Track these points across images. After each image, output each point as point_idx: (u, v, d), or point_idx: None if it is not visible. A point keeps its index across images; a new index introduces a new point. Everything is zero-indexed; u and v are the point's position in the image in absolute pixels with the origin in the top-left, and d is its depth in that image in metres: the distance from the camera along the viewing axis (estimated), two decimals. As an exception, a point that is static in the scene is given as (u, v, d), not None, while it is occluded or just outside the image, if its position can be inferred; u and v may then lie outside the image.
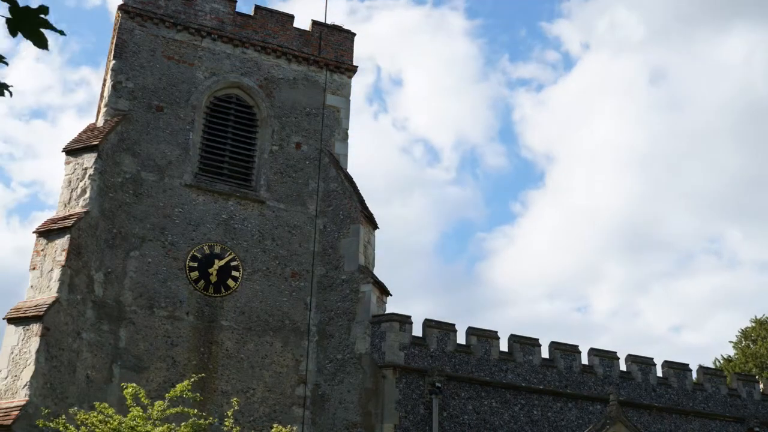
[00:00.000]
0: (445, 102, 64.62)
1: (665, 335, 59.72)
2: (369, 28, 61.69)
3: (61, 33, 5.03)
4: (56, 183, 58.48)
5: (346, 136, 22.52)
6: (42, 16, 4.97)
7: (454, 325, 19.84)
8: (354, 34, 23.68)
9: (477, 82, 66.38)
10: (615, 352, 21.38)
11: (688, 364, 22.28)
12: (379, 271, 20.71)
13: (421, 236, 63.29)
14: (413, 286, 62.03)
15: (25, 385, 15.83)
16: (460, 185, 66.66)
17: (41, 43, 4.99)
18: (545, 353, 20.63)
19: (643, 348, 63.01)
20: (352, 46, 23.53)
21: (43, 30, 5.03)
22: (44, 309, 16.51)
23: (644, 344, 59.49)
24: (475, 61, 66.58)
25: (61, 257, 17.40)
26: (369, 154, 58.66)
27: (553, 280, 61.00)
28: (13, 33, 4.95)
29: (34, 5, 5.07)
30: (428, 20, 65.83)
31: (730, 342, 37.84)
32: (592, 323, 60.94)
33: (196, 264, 19.65)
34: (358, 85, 64.01)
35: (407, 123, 64.05)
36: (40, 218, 35.33)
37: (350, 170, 22.05)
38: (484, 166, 66.74)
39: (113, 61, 20.85)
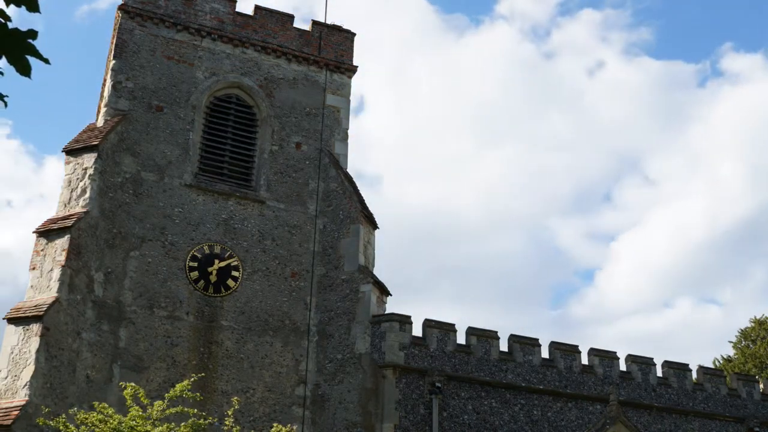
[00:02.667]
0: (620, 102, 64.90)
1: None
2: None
3: (46, 61, 4.72)
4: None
5: (346, 136, 22.52)
6: (30, 40, 4.68)
7: (453, 325, 19.86)
8: (354, 34, 23.68)
9: (654, 83, 66.92)
10: (615, 352, 21.38)
11: (687, 364, 22.29)
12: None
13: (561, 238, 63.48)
14: (524, 294, 62.13)
15: (25, 384, 15.81)
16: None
17: (25, 70, 4.69)
18: (545, 353, 20.63)
19: None
20: (352, 46, 23.53)
21: (28, 56, 4.71)
22: (44, 309, 16.50)
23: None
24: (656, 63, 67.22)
25: (61, 257, 17.39)
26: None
27: (685, 277, 60.70)
28: None
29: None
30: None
31: (730, 342, 37.88)
32: (724, 325, 60.69)
33: (196, 264, 19.64)
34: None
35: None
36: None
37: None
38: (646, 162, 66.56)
39: (113, 61, 20.84)
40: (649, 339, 57.31)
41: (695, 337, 57.88)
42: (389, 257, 59.64)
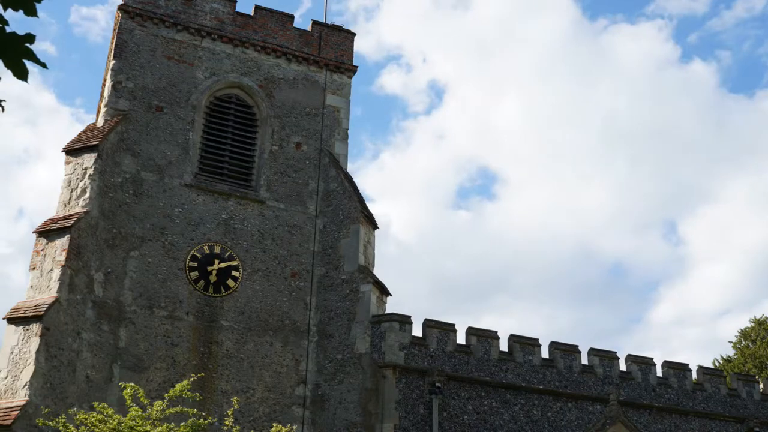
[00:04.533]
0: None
1: None
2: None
3: (43, 66, 4.71)
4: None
5: (346, 136, 22.53)
6: (27, 44, 4.67)
7: (453, 325, 19.86)
8: (354, 34, 23.68)
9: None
10: (615, 352, 21.39)
11: (687, 364, 22.30)
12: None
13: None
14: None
15: (25, 385, 15.81)
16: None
17: (21, 73, 4.69)
18: (545, 353, 20.63)
19: None
20: (351, 46, 23.53)
21: (24, 60, 4.69)
22: (44, 309, 16.49)
23: None
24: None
25: (61, 257, 17.38)
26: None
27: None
28: None
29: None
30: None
31: (730, 342, 37.88)
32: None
33: (195, 264, 19.64)
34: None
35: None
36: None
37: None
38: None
39: (113, 61, 20.84)
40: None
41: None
42: (503, 258, 60.06)
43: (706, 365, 23.76)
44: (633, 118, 62.86)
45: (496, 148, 63.67)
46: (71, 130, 63.91)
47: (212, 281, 19.65)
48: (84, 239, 18.03)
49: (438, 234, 61.73)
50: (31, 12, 4.65)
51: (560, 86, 63.87)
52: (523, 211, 62.46)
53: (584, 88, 63.71)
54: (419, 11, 63.86)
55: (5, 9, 4.61)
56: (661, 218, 65.14)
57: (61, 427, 13.14)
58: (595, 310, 63.20)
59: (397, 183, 64.27)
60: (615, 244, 62.94)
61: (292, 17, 23.13)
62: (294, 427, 16.54)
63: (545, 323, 59.26)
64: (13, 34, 4.65)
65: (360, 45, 65.00)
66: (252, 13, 22.72)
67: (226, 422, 14.20)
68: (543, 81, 63.27)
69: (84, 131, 20.22)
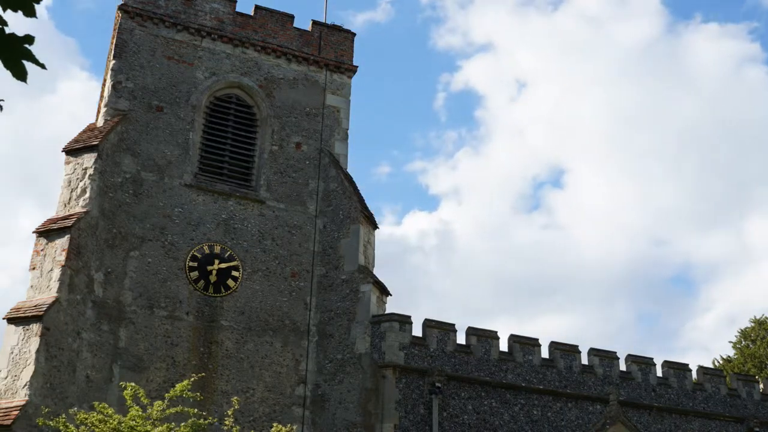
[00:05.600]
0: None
1: None
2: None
3: (42, 66, 4.69)
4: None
5: (346, 136, 22.53)
6: (26, 45, 4.66)
7: (453, 325, 19.86)
8: (354, 34, 23.68)
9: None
10: (615, 352, 21.39)
11: (687, 364, 22.31)
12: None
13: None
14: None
15: (25, 385, 15.82)
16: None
17: (20, 74, 4.67)
18: (545, 353, 20.63)
19: None
20: (351, 46, 23.53)
21: (23, 61, 4.67)
22: (44, 309, 16.50)
23: None
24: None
25: (61, 257, 17.39)
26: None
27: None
28: None
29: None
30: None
31: (730, 342, 37.88)
32: None
33: (195, 264, 19.65)
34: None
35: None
36: None
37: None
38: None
39: (113, 61, 20.84)
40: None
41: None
42: (571, 257, 59.94)
43: (706, 365, 23.77)
44: (708, 119, 63.12)
45: (571, 146, 63.91)
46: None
47: (212, 281, 19.66)
48: (84, 239, 18.03)
49: (505, 233, 61.95)
50: (30, 13, 4.63)
51: (640, 87, 64.20)
52: (592, 210, 62.72)
53: (663, 89, 63.94)
54: (510, 6, 64.22)
55: (4, 10, 4.60)
56: (727, 219, 65.24)
57: (61, 427, 13.14)
58: (656, 310, 63.43)
59: (469, 180, 64.39)
60: (681, 245, 63.17)
61: (292, 17, 23.14)
62: (294, 427, 16.53)
63: (605, 324, 59.38)
64: (12, 35, 4.63)
65: (448, 38, 65.11)
66: (252, 13, 22.72)
67: (226, 422, 14.20)
68: (625, 81, 63.64)
69: (84, 131, 20.22)
